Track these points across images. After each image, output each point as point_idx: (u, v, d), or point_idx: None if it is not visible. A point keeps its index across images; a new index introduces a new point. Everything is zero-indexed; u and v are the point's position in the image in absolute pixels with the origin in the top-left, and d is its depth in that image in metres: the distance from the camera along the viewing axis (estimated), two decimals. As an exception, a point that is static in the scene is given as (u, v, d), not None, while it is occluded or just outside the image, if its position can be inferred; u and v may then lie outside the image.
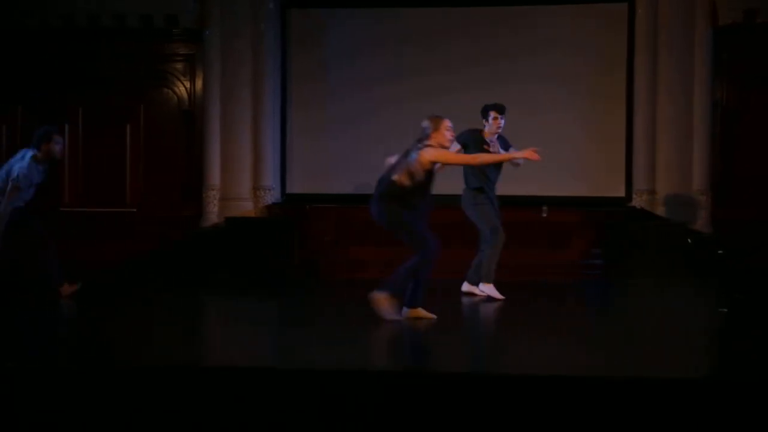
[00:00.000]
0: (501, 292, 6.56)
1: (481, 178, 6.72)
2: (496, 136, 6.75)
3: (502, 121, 6.72)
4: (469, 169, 6.72)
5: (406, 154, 5.44)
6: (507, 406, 3.57)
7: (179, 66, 9.96)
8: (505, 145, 6.79)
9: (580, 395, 3.56)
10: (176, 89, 9.95)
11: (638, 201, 9.25)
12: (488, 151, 6.59)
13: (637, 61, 9.32)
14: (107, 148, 9.72)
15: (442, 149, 5.35)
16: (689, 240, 8.41)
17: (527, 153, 5.66)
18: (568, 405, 3.55)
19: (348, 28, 9.82)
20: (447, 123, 5.41)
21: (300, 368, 3.96)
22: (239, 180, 9.63)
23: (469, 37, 9.62)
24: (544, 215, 8.77)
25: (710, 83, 9.08)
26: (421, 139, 5.40)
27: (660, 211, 9.09)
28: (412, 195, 5.32)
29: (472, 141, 6.66)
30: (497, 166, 6.73)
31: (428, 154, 5.28)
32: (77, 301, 6.60)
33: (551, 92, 9.42)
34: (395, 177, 5.35)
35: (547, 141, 9.30)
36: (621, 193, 9.42)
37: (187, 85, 9.93)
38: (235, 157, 9.62)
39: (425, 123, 5.44)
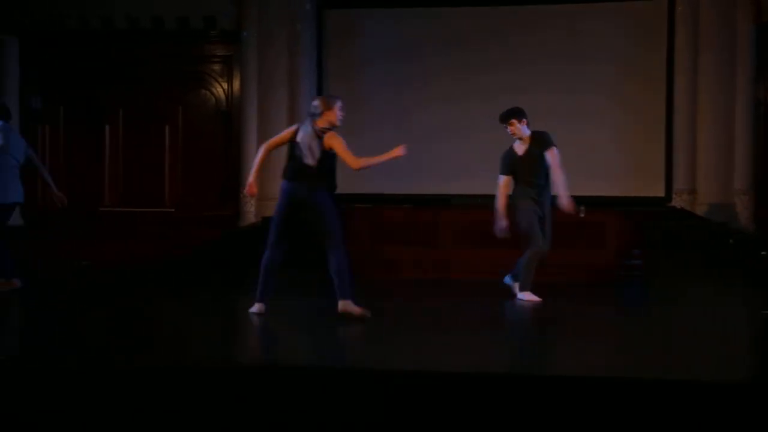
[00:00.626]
0: (538, 293, 6.49)
1: (527, 181, 6.54)
2: (516, 142, 6.62)
3: (512, 128, 6.47)
4: (518, 173, 6.51)
5: (303, 133, 5.55)
6: (539, 407, 3.54)
7: (217, 67, 10.07)
8: (540, 147, 6.59)
9: (617, 397, 3.52)
10: (214, 90, 10.06)
11: (678, 201, 9.12)
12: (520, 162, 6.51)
13: (677, 59, 9.20)
14: (146, 149, 9.88)
15: (343, 142, 5.50)
16: (731, 240, 8.26)
17: (394, 152, 5.62)
18: (603, 407, 3.51)
19: (384, 29, 9.83)
20: (340, 103, 5.54)
21: (331, 367, 3.97)
22: (276, 180, 9.58)
23: (506, 37, 9.58)
24: (582, 215, 8.66)
25: (752, 81, 8.92)
26: (314, 116, 5.50)
27: (700, 211, 8.96)
28: (326, 175, 5.56)
29: (508, 160, 6.54)
30: (540, 167, 6.53)
31: (331, 141, 5.49)
32: (108, 300, 6.69)
33: (589, 93, 9.33)
34: (310, 162, 5.51)
35: (585, 140, 9.28)
36: (661, 193, 9.31)
37: (225, 86, 10.03)
38: (272, 157, 9.65)
39: (316, 102, 5.57)
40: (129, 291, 7.36)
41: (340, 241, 5.48)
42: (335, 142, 5.49)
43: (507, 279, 6.69)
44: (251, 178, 5.79)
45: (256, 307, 5.63)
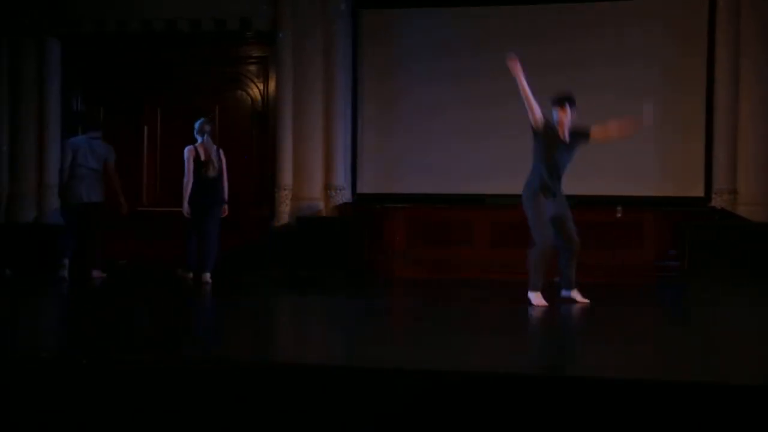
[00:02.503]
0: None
1: (553, 171, 6.22)
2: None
3: (563, 114, 6.21)
4: (541, 160, 6.21)
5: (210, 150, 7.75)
6: (572, 410, 3.50)
7: (252, 68, 10.14)
8: (578, 141, 6.37)
9: (652, 399, 3.47)
10: (250, 91, 10.13)
11: (718, 201, 8.93)
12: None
13: (718, 51, 8.97)
14: (184, 149, 9.93)
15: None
16: (773, 241, 8.11)
17: None
18: (639, 409, 3.46)
19: (420, 28, 9.79)
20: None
21: (348, 366, 3.96)
22: (311, 180, 9.73)
23: (543, 38, 9.42)
24: (619, 215, 8.58)
25: (795, 78, 8.69)
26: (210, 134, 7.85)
27: (741, 211, 8.76)
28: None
29: (551, 130, 6.21)
30: (567, 155, 6.31)
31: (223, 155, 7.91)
32: (156, 295, 6.78)
33: (627, 92, 9.17)
34: (214, 174, 7.73)
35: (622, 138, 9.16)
36: (700, 192, 9.12)
37: (261, 86, 10.10)
38: (307, 157, 9.72)
39: (209, 127, 7.86)
40: (159, 290, 7.45)
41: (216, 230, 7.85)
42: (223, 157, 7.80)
43: (564, 292, 6.38)
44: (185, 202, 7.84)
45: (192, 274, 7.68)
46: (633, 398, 3.48)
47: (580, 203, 9.11)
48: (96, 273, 8.10)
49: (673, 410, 3.43)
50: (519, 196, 9.16)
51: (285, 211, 9.67)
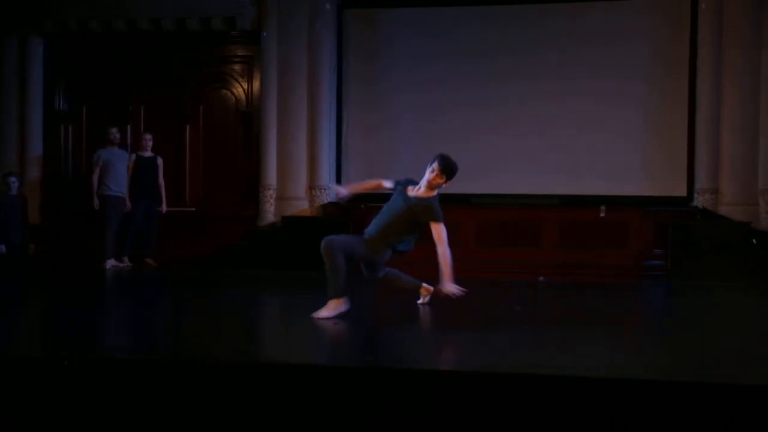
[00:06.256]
0: (560, 292, 6.44)
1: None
2: (417, 188, 5.73)
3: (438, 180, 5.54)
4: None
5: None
6: (556, 409, 3.52)
7: (237, 67, 10.12)
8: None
9: (642, 399, 3.49)
10: (234, 90, 10.10)
11: (700, 201, 9.01)
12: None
13: (701, 53, 9.05)
14: (168, 148, 9.89)
15: None
16: (754, 240, 8.18)
17: None
18: (627, 408, 3.48)
19: (404, 29, 9.81)
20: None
21: (337, 366, 3.96)
22: (295, 180, 9.72)
23: (528, 35, 9.48)
24: (602, 215, 8.63)
25: (777, 78, 8.79)
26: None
27: (723, 210, 8.85)
28: None
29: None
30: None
31: None
32: (143, 295, 6.74)
33: (611, 94, 9.25)
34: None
35: (606, 139, 9.22)
36: (683, 192, 9.20)
37: (245, 86, 10.07)
38: (292, 157, 9.71)
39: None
40: (149, 289, 7.41)
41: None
42: None
43: None
44: None
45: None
46: (625, 398, 3.49)
47: (564, 203, 9.20)
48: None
49: (664, 410, 3.45)
50: (505, 196, 9.25)
51: (269, 211, 9.66)
